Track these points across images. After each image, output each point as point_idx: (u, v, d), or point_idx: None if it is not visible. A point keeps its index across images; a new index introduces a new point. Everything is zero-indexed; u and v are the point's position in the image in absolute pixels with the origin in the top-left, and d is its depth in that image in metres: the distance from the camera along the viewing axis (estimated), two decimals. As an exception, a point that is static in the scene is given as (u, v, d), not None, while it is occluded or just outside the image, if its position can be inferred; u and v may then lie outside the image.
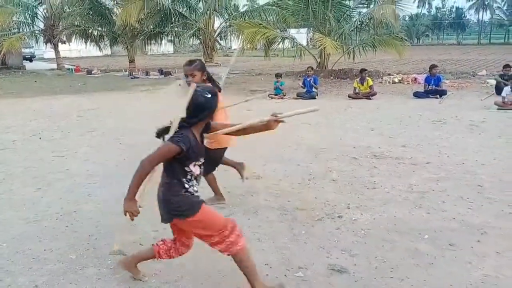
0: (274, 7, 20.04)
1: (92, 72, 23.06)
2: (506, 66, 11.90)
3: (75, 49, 38.85)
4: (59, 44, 26.94)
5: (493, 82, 12.35)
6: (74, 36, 23.89)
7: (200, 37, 22.06)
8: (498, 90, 10.82)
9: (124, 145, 6.90)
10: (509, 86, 9.42)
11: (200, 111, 2.55)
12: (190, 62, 3.99)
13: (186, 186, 2.61)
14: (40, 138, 7.57)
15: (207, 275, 3.00)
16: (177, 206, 2.63)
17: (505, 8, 71.83)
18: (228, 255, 2.65)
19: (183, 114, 2.51)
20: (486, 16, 74.96)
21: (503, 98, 9.40)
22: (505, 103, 9.26)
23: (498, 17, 71.80)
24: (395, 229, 3.64)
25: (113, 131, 8.08)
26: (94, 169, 5.62)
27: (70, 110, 10.74)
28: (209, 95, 2.57)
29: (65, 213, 4.17)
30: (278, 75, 13.01)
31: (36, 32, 26.65)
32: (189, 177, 2.60)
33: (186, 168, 2.57)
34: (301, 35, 25.47)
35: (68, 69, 25.01)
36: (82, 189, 4.88)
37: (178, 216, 2.66)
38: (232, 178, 5.11)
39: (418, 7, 79.19)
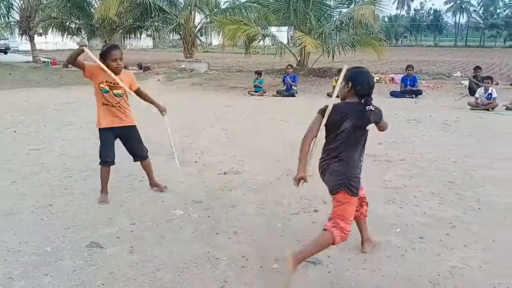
0: (255, 5, 20.04)
1: (69, 65, 22.62)
2: (477, 68, 12.26)
3: (51, 41, 38.01)
4: (35, 36, 26.33)
5: (467, 83, 12.70)
6: (50, 29, 23.38)
7: (180, 32, 21.91)
8: (471, 91, 11.14)
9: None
10: (482, 88, 9.70)
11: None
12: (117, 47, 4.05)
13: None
14: (15, 131, 7.43)
15: (183, 266, 3.02)
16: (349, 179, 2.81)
17: (481, 11, 73.76)
18: (325, 230, 2.85)
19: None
20: (463, 19, 76.88)
21: (476, 98, 9.68)
22: (478, 104, 9.55)
23: (474, 20, 73.62)
24: (369, 223, 3.71)
25: (89, 124, 7.95)
26: (70, 163, 5.56)
27: (46, 103, 10.56)
28: None
29: (40, 206, 4.12)
30: (257, 73, 13.06)
31: (12, 23, 25.99)
32: None
33: None
34: (282, 33, 25.51)
35: (44, 62, 24.47)
36: (58, 182, 4.83)
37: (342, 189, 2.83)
38: (210, 174, 5.15)
39: (397, 8, 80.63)
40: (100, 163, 4.32)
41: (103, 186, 4.33)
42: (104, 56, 3.91)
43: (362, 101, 2.81)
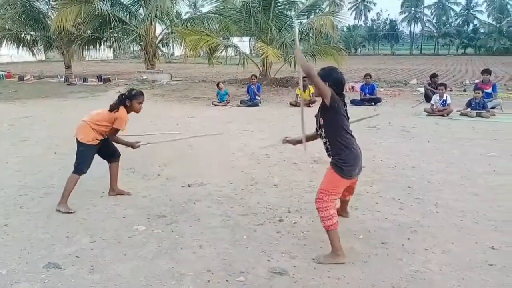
0: (216, 15, 20.13)
1: (25, 78, 21.82)
2: (433, 76, 12.77)
3: (6, 54, 36.69)
4: (-12, 48, 25.27)
5: (423, 90, 13.19)
6: (5, 41, 22.51)
7: (141, 43, 21.65)
8: (427, 98, 11.58)
9: (59, 155, 6.60)
10: (437, 95, 10.10)
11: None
12: None
13: None
14: (-35, 148, 7.06)
15: (147, 284, 2.95)
16: None
17: (434, 21, 76.99)
18: None
19: None
20: (417, 28, 79.96)
21: (432, 105, 10.06)
22: (434, 110, 9.92)
23: (428, 29, 76.75)
24: (333, 230, 3.78)
25: (47, 140, 7.71)
26: (27, 180, 5.34)
27: (1, 118, 10.11)
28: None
29: (-6, 227, 3.93)
30: (218, 85, 13.04)
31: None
32: None
33: None
34: (244, 44, 25.73)
35: (-2, 75, 23.50)
36: (13, 201, 4.62)
37: None
38: (174, 187, 5.08)
39: (355, 19, 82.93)
40: (77, 172, 4.40)
41: (67, 197, 4.35)
42: (132, 98, 4.40)
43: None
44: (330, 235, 3.23)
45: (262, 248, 3.47)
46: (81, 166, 4.39)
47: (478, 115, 9.51)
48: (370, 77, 12.68)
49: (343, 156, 3.20)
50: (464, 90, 14.79)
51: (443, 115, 9.66)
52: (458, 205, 4.36)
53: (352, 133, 3.30)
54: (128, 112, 4.44)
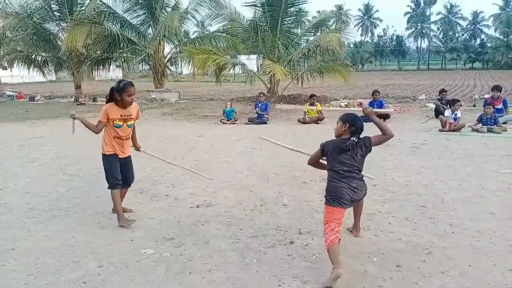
0: (224, 34, 20.33)
1: (35, 98, 22.14)
2: (442, 91, 12.69)
3: (17, 75, 37.31)
4: (0, 69, 25.70)
5: (433, 106, 13.09)
6: (16, 62, 22.91)
7: (149, 62, 21.88)
8: (437, 113, 11.47)
9: (67, 176, 6.59)
10: (449, 110, 9.99)
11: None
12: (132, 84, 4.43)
13: None
14: (-25, 170, 7.08)
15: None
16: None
17: (441, 36, 77.19)
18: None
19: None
20: (424, 43, 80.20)
21: (447, 117, 9.92)
22: (446, 124, 9.79)
23: (435, 45, 76.94)
24: (345, 252, 3.68)
25: (56, 160, 7.72)
26: (35, 202, 5.31)
27: (10, 139, 10.19)
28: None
29: (2, 250, 3.88)
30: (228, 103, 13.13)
31: (-25, 57, 25.38)
32: None
33: None
34: (252, 61, 25.93)
35: (9, 95, 23.84)
36: (21, 224, 4.58)
37: None
38: (182, 207, 5.02)
39: (361, 35, 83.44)
40: (110, 187, 4.45)
41: (120, 209, 4.44)
42: (120, 91, 4.27)
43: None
44: (328, 252, 3.35)
45: (273, 272, 3.37)
46: (109, 180, 4.43)
47: (489, 130, 9.38)
48: (379, 93, 12.63)
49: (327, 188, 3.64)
50: (474, 105, 14.67)
51: (455, 131, 9.53)
52: (473, 225, 4.24)
53: (342, 171, 3.55)
54: (120, 106, 4.35)
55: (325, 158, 3.77)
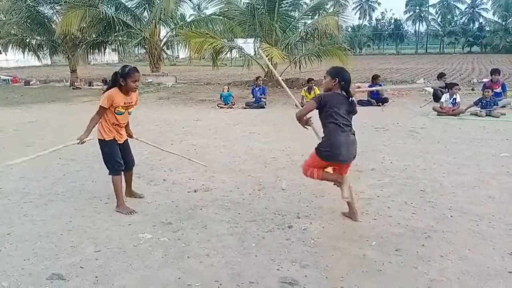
0: (221, 17, 20.05)
1: (31, 82, 21.92)
2: (441, 75, 12.60)
3: (12, 59, 36.92)
4: (-6, 54, 25.42)
5: (431, 90, 13.02)
6: (10, 46, 22.62)
7: (145, 46, 21.62)
8: (436, 97, 11.42)
9: (63, 160, 6.54)
10: (447, 94, 9.94)
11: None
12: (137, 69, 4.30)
13: None
14: (-30, 155, 7.01)
15: None
16: None
17: (439, 19, 76.62)
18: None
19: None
20: (422, 27, 79.67)
21: (442, 103, 9.89)
22: (443, 109, 9.76)
23: (433, 28, 76.43)
24: (344, 237, 3.67)
25: (52, 145, 7.61)
26: (31, 187, 5.26)
27: (6, 124, 10.09)
28: None
29: (-3, 236, 3.85)
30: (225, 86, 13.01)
31: (-32, 41, 25.07)
32: None
33: None
34: (249, 45, 25.67)
35: (4, 80, 23.61)
36: (17, 208, 4.54)
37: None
38: (180, 192, 4.98)
39: (359, 18, 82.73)
40: (112, 173, 4.36)
41: (121, 197, 4.38)
42: (125, 76, 4.14)
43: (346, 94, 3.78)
44: (324, 179, 4.03)
45: (271, 256, 3.35)
46: (111, 165, 4.33)
47: (488, 114, 9.34)
48: (379, 78, 12.51)
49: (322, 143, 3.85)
50: (473, 89, 14.62)
51: (454, 115, 9.49)
52: (473, 209, 4.22)
53: (342, 125, 3.72)
54: (123, 92, 4.23)
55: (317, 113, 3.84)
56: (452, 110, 9.61)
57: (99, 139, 4.34)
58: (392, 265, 3.17)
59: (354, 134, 3.81)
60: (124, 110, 4.30)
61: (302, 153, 6.55)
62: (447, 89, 10.18)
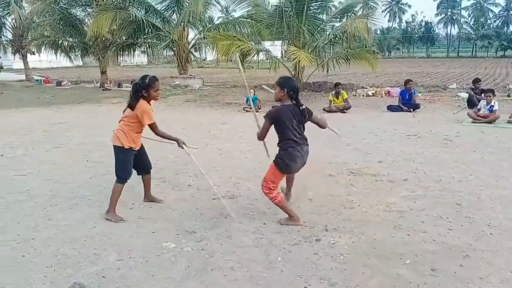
0: (248, 20, 19.98)
1: (62, 83, 22.42)
2: (476, 81, 12.12)
3: (45, 59, 37.90)
4: (28, 54, 26.12)
5: (465, 95, 12.56)
6: (43, 47, 23.20)
7: (174, 48, 21.79)
8: (470, 104, 10.99)
9: (91, 162, 6.56)
10: (484, 100, 9.53)
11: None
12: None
13: None
14: (1, 155, 7.13)
15: None
16: None
17: (472, 22, 74.50)
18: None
19: None
20: (454, 30, 77.66)
21: (478, 110, 9.50)
22: (479, 116, 9.37)
23: (465, 31, 74.35)
24: (375, 253, 3.48)
25: (80, 146, 7.72)
26: (57, 189, 5.27)
27: (36, 124, 10.29)
28: None
29: (22, 240, 3.84)
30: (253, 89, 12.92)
31: (4, 42, 25.86)
32: None
33: None
34: (276, 48, 25.55)
35: (37, 80, 24.27)
36: (43, 212, 4.54)
37: None
38: (205, 198, 4.89)
39: (388, 21, 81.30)
40: (118, 181, 4.35)
41: (115, 205, 4.33)
42: (147, 88, 4.18)
43: (295, 103, 3.95)
44: (281, 208, 4.08)
45: (298, 272, 3.20)
46: (122, 173, 4.32)
47: (526, 122, 8.90)
48: (412, 82, 12.11)
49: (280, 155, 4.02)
50: (509, 95, 14.02)
51: (489, 122, 9.09)
52: (513, 226, 3.95)
53: (296, 138, 3.94)
54: (148, 102, 4.23)
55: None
56: (487, 116, 9.20)
57: (116, 146, 4.29)
58: (428, 286, 2.97)
59: (307, 144, 4.04)
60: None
61: (330, 161, 6.38)
62: (487, 97, 9.67)
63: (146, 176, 4.70)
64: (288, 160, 3.94)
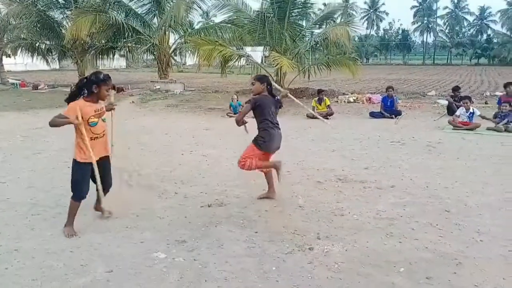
0: (230, 25, 19.95)
1: (39, 87, 21.87)
2: (456, 89, 12.38)
3: (20, 62, 37.02)
4: (3, 57, 25.42)
5: (445, 102, 12.80)
6: (20, 50, 22.64)
7: (154, 52, 21.55)
8: (450, 111, 11.20)
9: (73, 169, 6.37)
10: (463, 108, 9.71)
11: None
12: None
13: None
14: (-23, 162, 6.87)
15: None
16: None
17: (447, 31, 76.34)
18: None
19: None
20: (430, 38, 79.42)
21: (457, 117, 9.67)
22: (457, 123, 9.54)
23: (441, 39, 76.14)
24: (369, 261, 3.46)
25: (60, 152, 7.50)
26: (39, 198, 5.10)
27: (14, 129, 9.98)
28: None
29: (4, 251, 3.68)
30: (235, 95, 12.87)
31: (-22, 44, 25.17)
32: None
33: None
34: (257, 53, 25.56)
35: (13, 83, 23.59)
36: (25, 221, 4.37)
37: None
38: (193, 206, 4.80)
39: (367, 28, 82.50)
40: (74, 198, 4.06)
41: (72, 219, 4.05)
42: (101, 83, 3.96)
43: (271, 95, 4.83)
44: (263, 167, 4.85)
45: (293, 281, 3.15)
46: (76, 190, 4.01)
47: (506, 129, 9.10)
48: (393, 89, 12.28)
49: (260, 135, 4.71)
50: (486, 103, 14.34)
51: (470, 129, 9.26)
52: (502, 232, 4.01)
53: (273, 122, 4.71)
54: (92, 101, 3.95)
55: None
56: (468, 124, 9.39)
57: (73, 159, 3.98)
58: (424, 296, 2.97)
59: (280, 129, 4.77)
60: (97, 120, 3.99)
61: (317, 168, 6.38)
62: (464, 104, 9.88)
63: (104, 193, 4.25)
64: (267, 138, 4.62)
